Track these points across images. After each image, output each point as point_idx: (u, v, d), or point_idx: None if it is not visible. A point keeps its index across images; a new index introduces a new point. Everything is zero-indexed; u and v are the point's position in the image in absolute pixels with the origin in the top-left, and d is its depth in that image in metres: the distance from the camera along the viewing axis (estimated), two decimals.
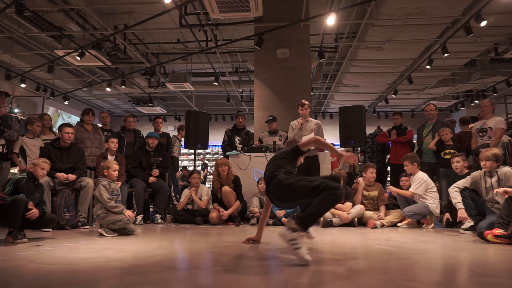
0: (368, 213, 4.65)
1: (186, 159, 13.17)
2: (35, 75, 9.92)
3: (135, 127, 6.01)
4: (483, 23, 5.83)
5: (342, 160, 2.76)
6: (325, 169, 5.40)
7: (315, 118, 8.59)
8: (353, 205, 4.64)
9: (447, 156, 5.02)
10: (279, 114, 6.31)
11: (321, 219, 4.38)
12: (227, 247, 2.93)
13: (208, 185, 10.91)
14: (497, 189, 3.34)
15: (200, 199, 5.09)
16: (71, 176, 4.44)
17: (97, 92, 12.64)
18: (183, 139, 6.49)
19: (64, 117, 12.89)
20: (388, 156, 6.55)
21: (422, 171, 5.00)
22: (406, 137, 5.96)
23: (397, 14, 6.67)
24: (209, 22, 7.77)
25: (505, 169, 3.61)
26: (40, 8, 6.95)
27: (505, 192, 3.20)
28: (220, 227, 4.53)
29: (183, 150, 7.15)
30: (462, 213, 3.72)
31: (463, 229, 3.80)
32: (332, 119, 14.03)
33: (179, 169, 8.27)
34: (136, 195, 4.93)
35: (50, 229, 3.93)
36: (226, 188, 4.85)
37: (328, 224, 4.40)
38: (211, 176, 11.30)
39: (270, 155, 5.51)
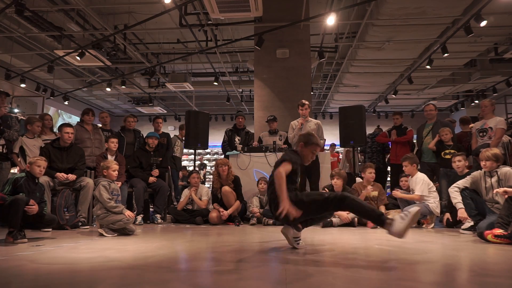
0: None
1: (186, 159, 13.17)
2: (35, 75, 9.92)
3: (135, 127, 6.01)
4: (483, 23, 5.83)
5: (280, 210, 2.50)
6: (325, 169, 5.40)
7: (315, 118, 8.59)
8: None
9: (447, 156, 5.02)
10: (279, 114, 6.31)
11: None
12: (227, 247, 2.93)
13: (208, 185, 10.91)
14: (497, 189, 3.34)
15: (200, 199, 5.09)
16: (71, 176, 4.44)
17: (97, 92, 12.65)
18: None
19: (64, 117, 12.89)
20: (388, 156, 6.55)
21: (422, 171, 5.01)
22: (406, 137, 5.96)
23: (397, 14, 6.67)
24: (209, 22, 7.77)
25: (505, 169, 3.61)
26: (40, 8, 6.95)
27: (505, 192, 3.20)
28: (220, 227, 4.53)
29: (183, 151, 7.13)
30: (462, 213, 3.72)
31: (463, 229, 3.80)
32: (332, 119, 14.03)
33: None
34: (136, 195, 4.93)
35: (50, 229, 3.93)
36: (226, 188, 4.85)
37: (328, 224, 4.40)
38: (210, 176, 11.30)
39: (270, 155, 5.52)
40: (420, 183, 4.47)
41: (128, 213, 3.63)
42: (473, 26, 6.03)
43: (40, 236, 3.54)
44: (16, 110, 7.52)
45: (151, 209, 5.62)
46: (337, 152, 9.64)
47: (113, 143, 5.01)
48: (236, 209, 4.86)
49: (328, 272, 2.00)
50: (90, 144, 5.27)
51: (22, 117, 6.23)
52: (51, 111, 11.89)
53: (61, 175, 4.38)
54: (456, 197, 3.80)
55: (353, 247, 2.80)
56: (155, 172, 5.25)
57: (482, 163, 3.72)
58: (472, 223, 3.73)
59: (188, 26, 6.93)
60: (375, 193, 4.86)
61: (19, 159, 4.86)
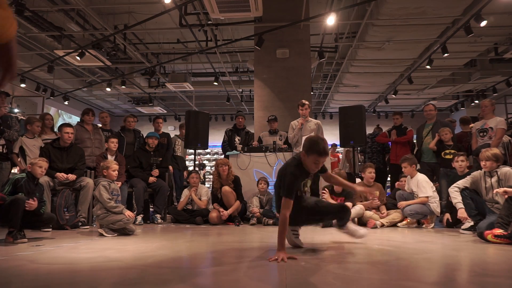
0: (368, 213, 4.65)
1: (186, 159, 13.12)
2: (35, 75, 9.92)
3: (135, 127, 6.01)
4: (483, 23, 5.83)
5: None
6: None
7: (315, 118, 8.59)
8: (353, 205, 4.65)
9: (447, 156, 5.02)
10: (279, 114, 6.31)
11: None
12: (227, 247, 2.93)
13: (208, 185, 10.91)
14: (497, 189, 3.34)
15: (200, 199, 5.09)
16: (71, 176, 4.44)
17: (97, 92, 12.65)
18: None
19: (65, 117, 12.89)
20: (388, 156, 6.55)
21: (422, 171, 5.01)
22: (406, 137, 5.96)
23: (397, 14, 6.67)
24: (209, 22, 7.77)
25: (505, 169, 3.61)
26: (40, 8, 6.95)
27: (505, 192, 3.20)
28: (220, 227, 4.53)
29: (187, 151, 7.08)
30: (462, 213, 3.72)
31: (463, 229, 3.79)
32: (332, 119, 14.03)
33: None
34: (136, 195, 4.93)
35: (50, 229, 3.93)
36: (226, 188, 4.85)
37: (328, 224, 4.39)
38: (210, 176, 11.29)
39: (270, 155, 5.52)
40: (424, 186, 4.46)
41: (128, 213, 3.63)
42: (473, 26, 6.03)
43: (40, 236, 3.54)
44: (16, 110, 7.52)
45: (151, 209, 5.62)
46: (338, 152, 9.63)
47: (113, 143, 5.01)
48: (236, 209, 4.86)
49: (328, 272, 2.00)
50: (90, 144, 5.27)
51: (22, 117, 6.23)
52: (52, 111, 11.88)
53: (61, 175, 4.38)
54: (456, 197, 3.80)
55: (353, 247, 2.79)
56: (155, 172, 5.25)
57: (482, 163, 3.72)
58: (472, 223, 3.73)
59: (188, 26, 6.93)
60: (376, 193, 4.87)
61: (19, 159, 4.86)
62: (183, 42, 9.12)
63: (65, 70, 10.78)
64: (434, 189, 4.59)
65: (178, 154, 6.54)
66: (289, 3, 7.18)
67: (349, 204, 4.57)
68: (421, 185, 4.47)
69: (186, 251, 2.74)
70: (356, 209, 4.59)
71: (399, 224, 4.58)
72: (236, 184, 4.99)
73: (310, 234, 3.60)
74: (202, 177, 11.37)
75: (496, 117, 5.05)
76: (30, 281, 1.82)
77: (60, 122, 11.78)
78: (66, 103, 11.48)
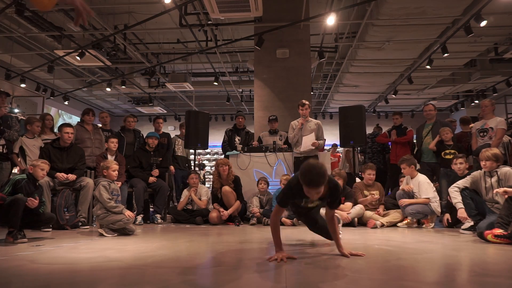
0: (368, 213, 4.65)
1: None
2: (35, 75, 9.92)
3: (135, 127, 6.01)
4: (483, 23, 5.83)
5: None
6: None
7: (315, 118, 8.59)
8: (353, 205, 4.65)
9: (448, 156, 5.02)
10: (279, 114, 6.31)
11: None
12: (227, 247, 2.93)
13: (208, 185, 10.90)
14: (497, 189, 3.34)
15: (200, 199, 5.09)
16: (71, 176, 4.44)
17: (97, 92, 12.65)
18: None
19: (65, 117, 12.89)
20: (388, 156, 6.54)
21: (422, 171, 5.01)
22: (406, 137, 5.95)
23: (397, 14, 6.66)
24: (209, 22, 7.76)
25: (505, 169, 3.61)
26: None
27: (505, 192, 3.20)
28: (220, 227, 4.53)
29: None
30: (462, 213, 3.72)
31: (463, 229, 3.79)
32: (332, 119, 14.03)
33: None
34: (136, 195, 4.93)
35: (50, 229, 3.93)
36: (226, 188, 4.85)
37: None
38: (210, 176, 11.28)
39: (270, 155, 5.51)
40: (425, 187, 4.46)
41: (128, 213, 3.63)
42: (473, 26, 6.03)
43: (40, 236, 3.54)
44: (16, 110, 7.51)
45: (151, 209, 5.62)
46: (338, 152, 9.63)
47: (113, 143, 5.01)
48: (236, 209, 4.86)
49: (328, 272, 2.00)
50: (90, 144, 5.27)
51: (22, 117, 6.23)
52: (52, 111, 11.88)
53: (61, 175, 4.38)
54: (456, 197, 3.80)
55: (353, 247, 2.79)
56: (155, 172, 5.24)
57: (482, 163, 3.72)
58: (472, 223, 3.73)
59: (188, 26, 6.93)
60: (378, 196, 4.88)
61: (19, 159, 4.86)
62: (183, 42, 9.12)
63: (65, 70, 10.78)
64: (434, 189, 4.59)
65: (179, 154, 6.52)
66: (289, 3, 7.18)
67: (349, 204, 4.59)
68: (423, 186, 4.47)
69: (186, 251, 2.74)
70: (356, 209, 4.59)
71: (399, 224, 4.58)
72: (236, 184, 4.99)
73: (310, 234, 3.59)
74: (202, 177, 11.37)
75: (496, 117, 5.05)
76: (30, 281, 1.82)
77: (60, 122, 11.78)
78: (66, 103, 11.47)
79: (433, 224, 4.52)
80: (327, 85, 12.04)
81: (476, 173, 3.86)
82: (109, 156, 4.96)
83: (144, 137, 5.68)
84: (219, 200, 4.95)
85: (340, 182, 4.62)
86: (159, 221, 4.96)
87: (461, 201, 3.75)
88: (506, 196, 3.20)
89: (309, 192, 2.20)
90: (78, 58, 7.47)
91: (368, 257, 2.42)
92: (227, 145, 6.13)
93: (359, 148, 6.93)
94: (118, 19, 7.96)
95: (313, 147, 5.14)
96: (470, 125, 5.94)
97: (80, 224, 4.27)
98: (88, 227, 4.31)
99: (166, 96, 14.07)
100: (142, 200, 4.96)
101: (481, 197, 3.77)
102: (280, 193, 2.51)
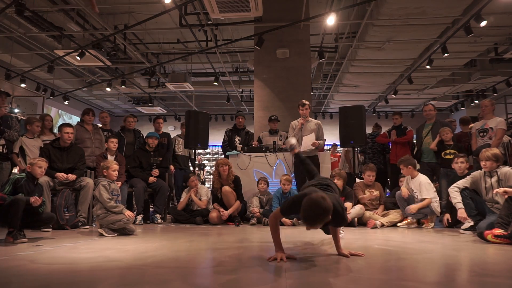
0: (368, 213, 4.65)
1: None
2: (35, 75, 9.92)
3: (135, 127, 6.01)
4: (483, 23, 5.83)
5: None
6: (325, 169, 5.40)
7: (315, 118, 8.59)
8: (353, 205, 4.65)
9: (448, 156, 5.02)
10: (279, 114, 6.31)
11: None
12: (227, 247, 2.93)
13: (208, 185, 10.91)
14: (497, 189, 3.34)
15: (200, 199, 5.09)
16: (71, 176, 4.44)
17: (97, 92, 12.65)
18: None
19: (65, 118, 12.88)
20: (388, 156, 6.54)
21: (422, 171, 5.01)
22: (406, 137, 5.95)
23: (397, 14, 6.66)
24: (209, 22, 7.76)
25: (505, 169, 3.61)
26: (40, 8, 6.95)
27: (505, 192, 3.20)
28: (220, 227, 4.53)
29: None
30: (462, 213, 3.72)
31: (463, 229, 3.79)
32: (332, 119, 14.03)
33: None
34: (136, 195, 4.93)
35: (50, 229, 3.93)
36: (226, 188, 4.85)
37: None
38: (210, 176, 11.28)
39: (270, 155, 5.51)
40: (426, 187, 4.46)
41: (128, 213, 3.63)
42: (473, 26, 6.03)
43: (40, 236, 3.54)
44: (16, 110, 7.51)
45: (151, 209, 5.62)
46: (338, 152, 9.63)
47: (113, 143, 5.01)
48: (236, 209, 4.86)
49: (328, 272, 2.00)
50: (90, 144, 5.27)
51: (22, 117, 6.23)
52: (52, 111, 11.88)
53: (61, 175, 4.38)
54: (456, 197, 3.80)
55: (353, 247, 2.79)
56: (155, 172, 5.25)
57: (482, 163, 3.72)
58: (472, 223, 3.73)
59: (188, 26, 6.93)
60: (377, 193, 4.89)
61: (19, 159, 4.86)
62: (183, 42, 9.12)
63: (65, 70, 10.78)
64: (435, 189, 4.59)
65: (179, 153, 6.51)
66: (289, 3, 7.18)
67: (349, 204, 4.59)
68: (423, 186, 4.46)
69: (186, 251, 2.74)
70: (356, 209, 4.59)
71: (399, 224, 4.58)
72: (236, 184, 4.99)
73: (310, 234, 3.60)
74: (202, 177, 11.37)
75: (496, 117, 5.05)
76: (30, 281, 1.82)
77: (60, 122, 11.77)
78: (66, 103, 11.47)
79: (433, 224, 4.52)
80: (327, 85, 12.04)
81: (476, 173, 3.86)
82: (109, 156, 4.96)
83: (144, 137, 5.68)
84: (219, 200, 4.95)
85: (340, 182, 4.63)
86: (159, 221, 4.96)
87: (461, 201, 3.75)
88: (506, 196, 3.20)
89: (308, 228, 2.14)
90: (78, 58, 7.46)
91: (368, 257, 2.42)
92: (227, 145, 6.13)
93: (359, 148, 6.93)
94: (118, 19, 7.96)
95: (313, 147, 5.14)
96: (470, 125, 5.94)
97: (80, 224, 4.27)
98: (88, 227, 4.31)
99: (166, 96, 14.07)
100: (142, 200, 4.96)
101: (481, 197, 3.77)
102: (286, 204, 2.40)
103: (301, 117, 5.37)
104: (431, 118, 5.61)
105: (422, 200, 4.44)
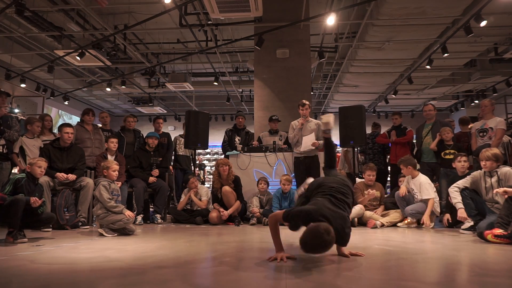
0: (368, 213, 4.65)
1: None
2: (35, 75, 9.91)
3: (135, 127, 6.01)
4: (483, 23, 5.82)
5: None
6: None
7: (315, 118, 8.58)
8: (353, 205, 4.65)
9: (448, 156, 5.02)
10: (279, 114, 6.31)
11: None
12: (227, 247, 2.93)
13: (208, 185, 10.90)
14: (497, 189, 3.34)
15: (200, 199, 5.09)
16: (71, 176, 4.44)
17: (97, 92, 12.64)
18: None
19: (65, 118, 12.88)
20: (388, 157, 6.55)
21: (422, 171, 5.01)
22: (406, 137, 5.95)
23: (397, 14, 6.66)
24: (209, 22, 7.76)
25: (505, 169, 3.61)
26: (40, 8, 6.95)
27: (505, 192, 3.20)
28: (220, 227, 4.53)
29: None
30: (462, 213, 3.72)
31: (463, 229, 3.79)
32: None
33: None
34: (136, 195, 4.93)
35: (50, 229, 3.93)
36: (226, 188, 4.85)
37: None
38: (210, 176, 11.28)
39: (270, 155, 5.51)
40: (426, 188, 4.46)
41: (128, 213, 3.63)
42: (473, 26, 6.03)
43: (40, 236, 3.54)
44: (16, 110, 7.51)
45: (151, 209, 5.62)
46: (338, 152, 9.63)
47: (113, 143, 5.01)
48: (236, 209, 4.86)
49: (328, 272, 2.00)
50: (90, 144, 5.27)
51: (22, 117, 6.23)
52: (53, 112, 11.88)
53: (61, 175, 4.38)
54: (456, 197, 3.80)
55: (353, 247, 2.79)
56: (155, 172, 5.25)
57: (482, 163, 3.72)
58: (472, 223, 3.73)
59: (188, 26, 6.93)
60: (378, 193, 4.88)
61: (19, 159, 4.86)
62: (183, 42, 9.11)
63: (65, 70, 10.78)
64: (435, 189, 4.59)
65: (180, 154, 6.49)
66: (289, 3, 7.17)
67: None
68: (424, 187, 4.46)
69: (186, 251, 2.74)
70: (356, 209, 4.59)
71: (399, 224, 4.59)
72: (236, 184, 4.99)
73: None
74: (202, 177, 11.37)
75: (496, 117, 5.05)
76: (30, 281, 1.82)
77: (60, 122, 11.77)
78: (66, 103, 11.47)
79: (433, 224, 4.52)
80: (327, 85, 12.04)
81: (476, 173, 3.86)
82: (109, 156, 4.96)
83: (144, 137, 5.68)
84: (219, 200, 4.95)
85: None
86: (159, 221, 4.96)
87: (461, 201, 3.75)
88: (506, 196, 3.20)
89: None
90: (78, 58, 7.46)
91: (368, 257, 2.42)
92: (227, 145, 6.13)
93: (359, 148, 6.92)
94: (118, 19, 7.96)
95: (313, 147, 5.14)
96: (469, 125, 5.94)
97: (80, 224, 4.28)
98: (88, 227, 4.31)
99: (166, 96, 14.06)
100: (142, 200, 4.96)
101: (481, 197, 3.77)
102: (292, 213, 2.31)
103: (301, 117, 5.37)
104: (431, 118, 5.61)
105: (422, 200, 4.45)
